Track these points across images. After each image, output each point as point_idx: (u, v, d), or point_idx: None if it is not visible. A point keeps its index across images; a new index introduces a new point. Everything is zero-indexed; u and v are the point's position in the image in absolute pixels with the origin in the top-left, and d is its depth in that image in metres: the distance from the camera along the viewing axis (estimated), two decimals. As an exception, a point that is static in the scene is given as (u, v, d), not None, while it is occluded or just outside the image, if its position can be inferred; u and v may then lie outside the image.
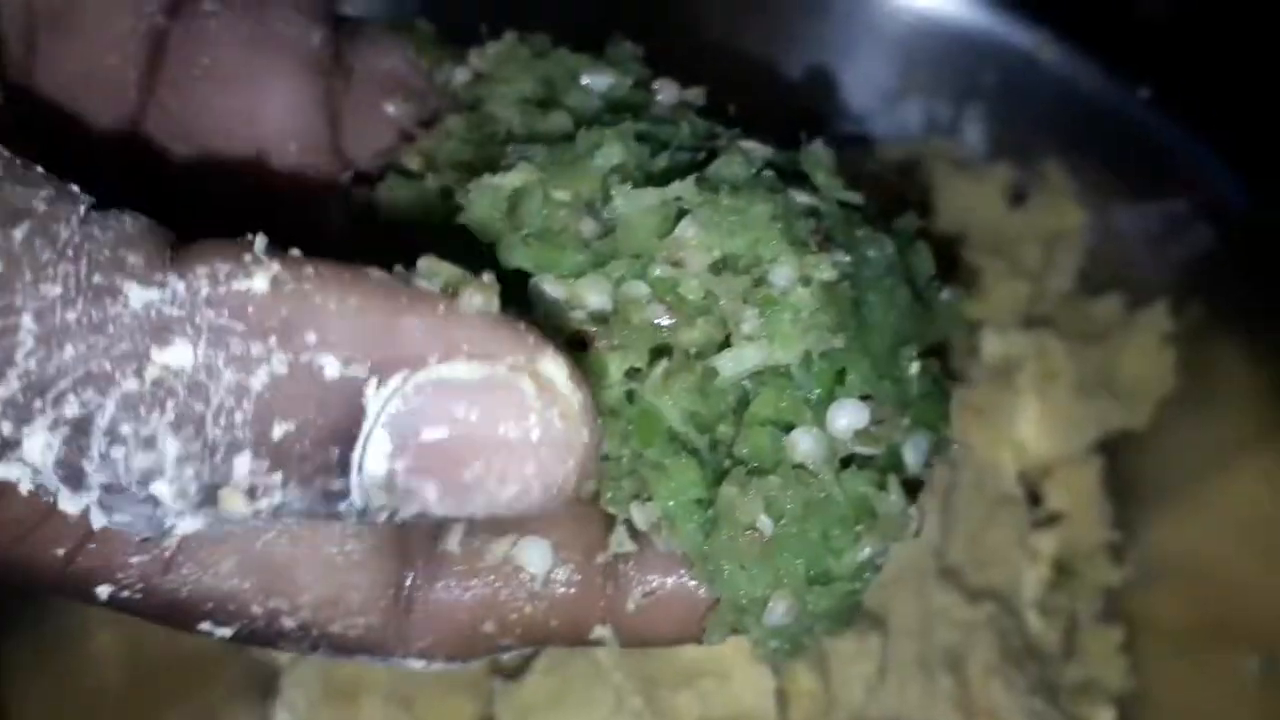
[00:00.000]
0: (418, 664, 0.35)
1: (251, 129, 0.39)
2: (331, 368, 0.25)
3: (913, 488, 0.35)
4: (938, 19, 0.72)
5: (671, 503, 0.34)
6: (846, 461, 0.33)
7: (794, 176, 0.36)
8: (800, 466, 0.33)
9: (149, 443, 0.25)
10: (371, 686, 0.59)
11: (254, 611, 0.34)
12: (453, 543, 0.35)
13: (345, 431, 0.25)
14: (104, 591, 0.33)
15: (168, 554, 0.33)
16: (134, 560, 0.33)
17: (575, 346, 0.33)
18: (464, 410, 0.25)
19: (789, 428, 0.33)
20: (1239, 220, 0.68)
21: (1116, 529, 0.70)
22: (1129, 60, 0.71)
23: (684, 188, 0.34)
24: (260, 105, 0.39)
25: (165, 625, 0.35)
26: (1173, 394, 0.70)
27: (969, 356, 0.70)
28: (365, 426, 0.25)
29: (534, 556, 0.35)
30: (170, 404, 0.25)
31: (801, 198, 0.35)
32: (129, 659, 0.59)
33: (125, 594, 0.33)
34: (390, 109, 0.42)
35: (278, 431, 0.25)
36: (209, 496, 0.26)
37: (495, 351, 0.26)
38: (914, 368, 0.35)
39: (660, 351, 0.34)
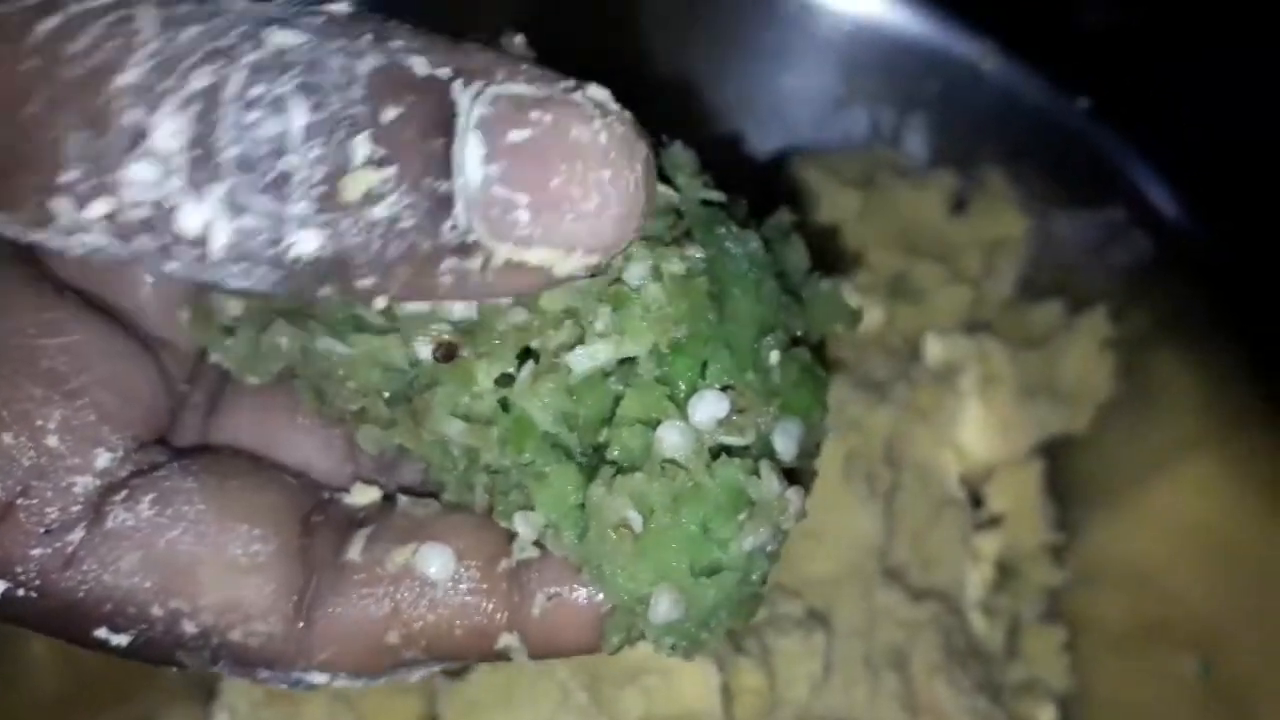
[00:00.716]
0: (320, 678, 0.35)
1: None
2: (420, 67, 0.27)
3: (796, 475, 0.35)
4: (880, 28, 0.73)
5: (552, 510, 0.34)
6: (720, 454, 0.34)
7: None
8: (670, 462, 0.33)
9: (278, 104, 0.26)
10: (314, 686, 0.58)
11: (154, 613, 0.34)
12: (355, 551, 0.35)
13: (443, 121, 0.27)
14: (0, 586, 0.33)
15: (69, 549, 0.33)
16: (35, 553, 0.33)
17: (442, 358, 0.33)
18: (539, 115, 0.27)
19: (658, 425, 0.33)
20: (1176, 229, 0.69)
21: (1058, 531, 0.71)
22: (1069, 71, 0.72)
23: None
24: None
25: (58, 636, 0.34)
26: (1112, 398, 0.70)
27: (911, 360, 0.71)
28: (460, 122, 0.27)
29: (435, 563, 0.35)
30: (294, 70, 0.27)
31: (670, 195, 0.35)
32: (64, 665, 0.58)
33: (21, 591, 0.33)
34: None
35: (388, 114, 0.27)
36: (332, 187, 0.27)
37: (547, 76, 0.28)
38: (774, 357, 0.35)
39: (529, 355, 0.34)
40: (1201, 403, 0.67)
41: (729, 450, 0.34)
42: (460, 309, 0.33)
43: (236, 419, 0.39)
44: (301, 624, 0.34)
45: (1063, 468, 0.71)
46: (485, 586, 0.35)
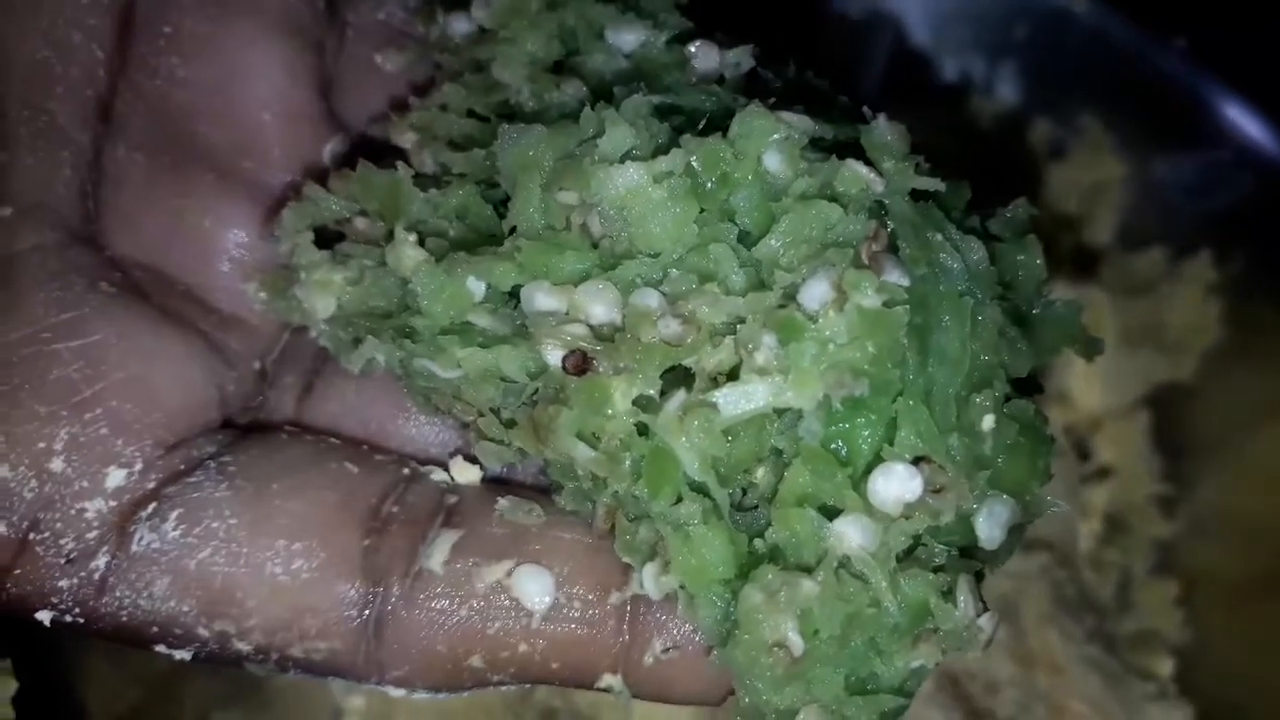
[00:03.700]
0: (397, 692, 0.32)
1: (222, 101, 0.35)
2: None
3: (992, 556, 0.29)
4: (969, -26, 0.72)
5: (691, 581, 0.28)
6: (912, 545, 0.28)
7: (851, 156, 0.30)
8: (845, 564, 0.27)
9: None
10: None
11: (201, 634, 0.32)
12: (437, 560, 0.31)
13: None
14: (45, 616, 0.32)
15: (98, 575, 0.31)
16: (63, 584, 0.31)
17: (572, 370, 0.28)
18: None
19: (832, 511, 0.27)
20: (1277, 169, 0.67)
21: (1167, 482, 0.69)
22: (1162, 10, 0.70)
23: (672, 160, 0.29)
24: (230, 74, 0.35)
25: (127, 646, 0.33)
26: (1218, 345, 0.69)
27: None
28: None
29: (532, 589, 0.31)
30: None
31: (872, 182, 0.28)
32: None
33: (68, 618, 0.32)
34: (383, 63, 0.39)
35: None
36: None
37: None
38: (988, 421, 0.28)
39: (677, 375, 0.28)
40: (1310, 347, 0.66)
41: (918, 547, 0.28)
42: (600, 310, 0.28)
43: (334, 402, 0.36)
44: (370, 639, 0.31)
45: (1170, 418, 0.70)
46: (591, 622, 0.31)
